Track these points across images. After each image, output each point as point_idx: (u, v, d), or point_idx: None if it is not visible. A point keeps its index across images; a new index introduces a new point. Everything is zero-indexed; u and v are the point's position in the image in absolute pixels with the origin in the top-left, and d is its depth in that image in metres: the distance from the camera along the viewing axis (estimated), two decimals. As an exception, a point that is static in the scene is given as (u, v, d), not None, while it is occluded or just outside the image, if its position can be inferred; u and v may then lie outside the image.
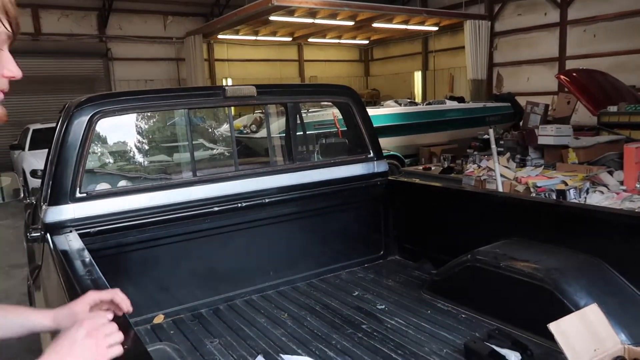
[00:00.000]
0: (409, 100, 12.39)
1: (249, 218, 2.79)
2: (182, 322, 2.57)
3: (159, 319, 2.59)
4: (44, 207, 2.32)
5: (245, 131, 9.94)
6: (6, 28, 0.95)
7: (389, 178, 3.31)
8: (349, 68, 20.55)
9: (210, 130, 6.35)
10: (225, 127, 10.75)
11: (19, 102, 12.83)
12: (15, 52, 1.03)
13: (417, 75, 18.38)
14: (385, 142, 9.52)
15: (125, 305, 1.27)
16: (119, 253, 2.42)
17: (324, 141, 4.42)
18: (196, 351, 2.25)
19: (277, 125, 5.66)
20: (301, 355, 1.97)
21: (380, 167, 3.29)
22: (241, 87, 2.81)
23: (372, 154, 3.27)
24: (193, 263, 2.68)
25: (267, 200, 2.81)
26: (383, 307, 2.61)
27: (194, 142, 2.96)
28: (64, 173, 2.31)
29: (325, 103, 7.65)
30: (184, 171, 3.22)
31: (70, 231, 2.20)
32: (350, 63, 20.68)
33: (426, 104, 11.39)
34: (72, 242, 2.04)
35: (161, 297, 2.60)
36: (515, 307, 2.28)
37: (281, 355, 1.71)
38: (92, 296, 1.24)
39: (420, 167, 6.99)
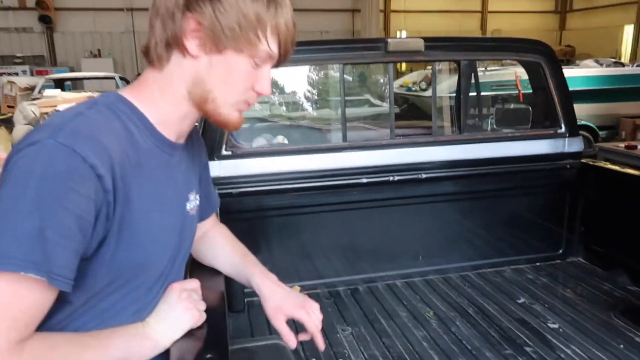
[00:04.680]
0: (613, 60, 10.44)
1: (401, 194, 2.44)
2: (318, 297, 2.38)
3: (295, 290, 2.44)
4: None
5: (414, 88, 9.40)
6: (269, 48, 0.88)
7: (583, 161, 2.63)
8: (539, 20, 18.18)
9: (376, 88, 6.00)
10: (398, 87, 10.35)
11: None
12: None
13: (628, 30, 15.43)
14: (575, 109, 8.23)
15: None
16: (256, 217, 2.29)
17: (501, 106, 3.74)
18: (326, 339, 2.03)
19: (448, 84, 5.06)
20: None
21: (573, 146, 2.62)
22: (407, 40, 2.38)
23: (563, 129, 2.61)
24: (335, 236, 2.44)
25: (423, 176, 2.41)
26: (556, 326, 2.08)
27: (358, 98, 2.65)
28: (210, 128, 2.20)
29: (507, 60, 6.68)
30: (333, 134, 2.95)
31: None
32: (541, 15, 18.27)
33: (636, 66, 9.45)
34: None
35: (299, 268, 2.43)
36: None
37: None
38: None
39: (622, 145, 5.72)
